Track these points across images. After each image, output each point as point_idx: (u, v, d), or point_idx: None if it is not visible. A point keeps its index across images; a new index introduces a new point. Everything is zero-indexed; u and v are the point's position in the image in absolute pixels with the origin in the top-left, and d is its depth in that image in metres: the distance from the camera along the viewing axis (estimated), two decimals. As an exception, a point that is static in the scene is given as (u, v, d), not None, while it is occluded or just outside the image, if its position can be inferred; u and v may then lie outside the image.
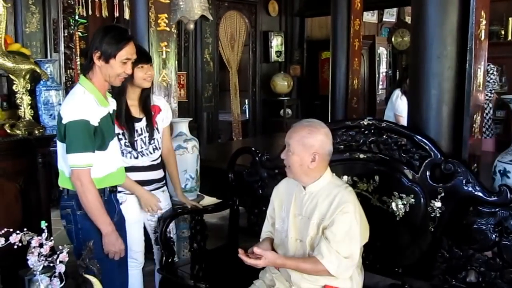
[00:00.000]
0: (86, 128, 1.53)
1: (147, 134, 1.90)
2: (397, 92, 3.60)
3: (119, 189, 1.84)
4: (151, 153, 1.92)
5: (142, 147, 1.90)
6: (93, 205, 1.56)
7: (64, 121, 1.55)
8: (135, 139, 1.87)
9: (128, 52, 1.58)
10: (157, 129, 1.95)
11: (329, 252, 1.42)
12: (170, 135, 2.09)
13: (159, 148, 1.96)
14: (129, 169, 1.87)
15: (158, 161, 1.99)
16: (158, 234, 1.95)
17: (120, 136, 1.85)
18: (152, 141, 1.92)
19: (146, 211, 1.92)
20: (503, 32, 5.40)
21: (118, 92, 1.83)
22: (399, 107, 3.48)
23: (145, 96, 1.91)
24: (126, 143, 1.86)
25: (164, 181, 2.05)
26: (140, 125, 1.90)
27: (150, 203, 1.89)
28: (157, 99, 2.01)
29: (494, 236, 1.43)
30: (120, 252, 1.64)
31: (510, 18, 5.29)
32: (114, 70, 1.58)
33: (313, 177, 1.51)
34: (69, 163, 1.55)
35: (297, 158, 1.49)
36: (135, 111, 1.90)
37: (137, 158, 1.89)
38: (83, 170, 1.54)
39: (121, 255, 1.65)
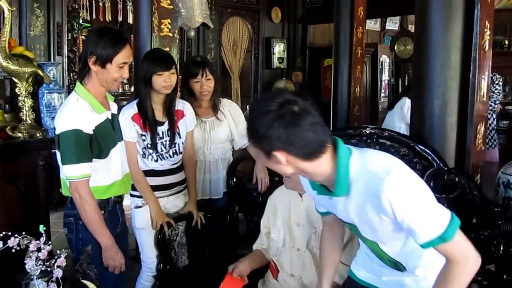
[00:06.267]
0: (79, 137, 1.45)
1: (168, 138, 1.88)
2: (407, 102, 3.35)
3: (140, 193, 1.84)
4: (170, 157, 1.91)
5: (162, 150, 1.88)
6: (92, 218, 1.51)
7: (57, 132, 1.49)
8: (156, 142, 1.85)
9: (124, 56, 1.50)
10: (179, 134, 1.91)
11: None
12: (192, 140, 2.02)
13: (180, 153, 1.93)
14: (148, 173, 1.87)
15: (178, 164, 1.96)
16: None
17: (144, 137, 1.85)
18: (173, 146, 1.90)
19: (153, 226, 1.88)
20: (506, 42, 5.41)
21: (144, 96, 1.83)
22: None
23: (169, 101, 1.88)
24: (149, 144, 1.85)
25: (185, 184, 2.01)
26: (162, 129, 1.88)
27: (157, 219, 1.86)
28: (181, 104, 1.95)
29: (497, 249, 1.41)
30: (120, 266, 1.58)
31: (513, 28, 5.31)
32: (110, 75, 1.50)
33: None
34: (64, 174, 1.50)
35: None
36: (159, 115, 1.88)
37: (156, 161, 1.88)
38: (80, 181, 1.48)
39: (122, 269, 1.60)
